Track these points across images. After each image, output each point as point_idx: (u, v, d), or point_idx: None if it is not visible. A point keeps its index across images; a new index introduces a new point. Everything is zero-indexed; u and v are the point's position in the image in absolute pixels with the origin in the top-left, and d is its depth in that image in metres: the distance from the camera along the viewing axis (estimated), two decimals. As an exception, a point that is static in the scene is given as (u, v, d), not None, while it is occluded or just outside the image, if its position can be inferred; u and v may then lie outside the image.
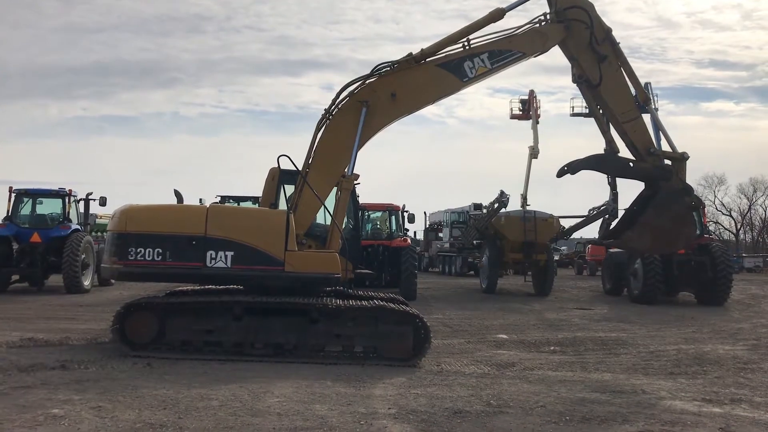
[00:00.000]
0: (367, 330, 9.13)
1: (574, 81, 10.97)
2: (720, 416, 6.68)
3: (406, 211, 21.22)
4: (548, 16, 10.65)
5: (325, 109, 10.27)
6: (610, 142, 11.15)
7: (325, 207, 9.99)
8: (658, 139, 11.80)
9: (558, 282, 29.35)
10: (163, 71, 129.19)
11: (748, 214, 68.95)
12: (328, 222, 10.72)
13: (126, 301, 9.55)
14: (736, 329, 14.20)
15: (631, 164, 10.56)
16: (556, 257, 47.89)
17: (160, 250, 9.08)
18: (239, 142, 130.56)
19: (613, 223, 10.68)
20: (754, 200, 68.54)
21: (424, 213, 42.05)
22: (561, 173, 10.50)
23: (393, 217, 20.80)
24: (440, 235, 40.34)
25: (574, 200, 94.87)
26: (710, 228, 67.98)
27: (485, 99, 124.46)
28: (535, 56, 10.89)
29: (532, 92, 39.28)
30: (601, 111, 11.05)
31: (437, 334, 12.50)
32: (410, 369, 8.75)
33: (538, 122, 38.30)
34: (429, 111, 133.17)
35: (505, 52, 10.43)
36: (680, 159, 10.49)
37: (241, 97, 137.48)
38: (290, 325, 9.10)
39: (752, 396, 7.68)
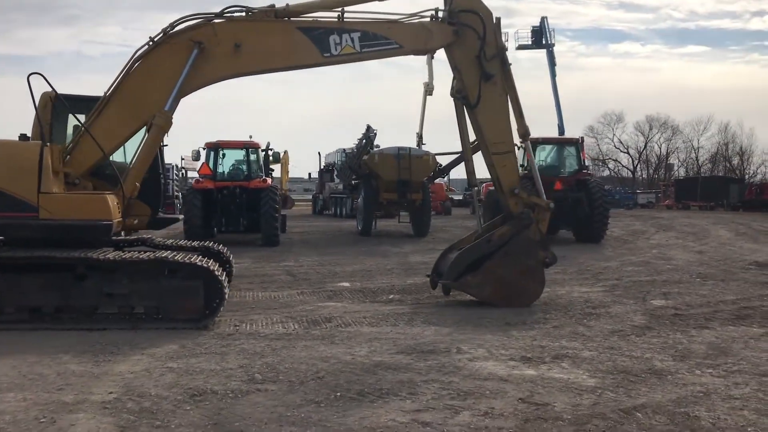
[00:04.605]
0: (145, 287, 7.53)
1: (452, 95, 9.38)
2: (529, 381, 5.56)
3: (270, 149, 19.26)
4: (440, 14, 9.04)
5: (150, 38, 8.31)
6: (470, 173, 9.80)
7: (103, 152, 8.08)
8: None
9: (447, 221, 28.67)
10: (63, 7, 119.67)
11: (644, 151, 70.48)
12: (124, 159, 9.03)
13: None
14: (603, 268, 13.55)
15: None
16: (460, 197, 47.58)
17: None
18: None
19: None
20: (650, 137, 69.98)
21: (318, 153, 40.44)
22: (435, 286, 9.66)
23: (253, 156, 18.70)
24: (334, 176, 38.67)
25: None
26: (609, 165, 69.83)
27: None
28: (413, 54, 9.54)
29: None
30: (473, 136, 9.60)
31: (273, 284, 11.17)
32: (196, 332, 7.29)
33: (433, 57, 36.67)
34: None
35: (380, 38, 8.78)
36: (545, 208, 9.25)
37: (147, 36, 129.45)
38: (51, 284, 7.41)
39: (580, 350, 6.65)
